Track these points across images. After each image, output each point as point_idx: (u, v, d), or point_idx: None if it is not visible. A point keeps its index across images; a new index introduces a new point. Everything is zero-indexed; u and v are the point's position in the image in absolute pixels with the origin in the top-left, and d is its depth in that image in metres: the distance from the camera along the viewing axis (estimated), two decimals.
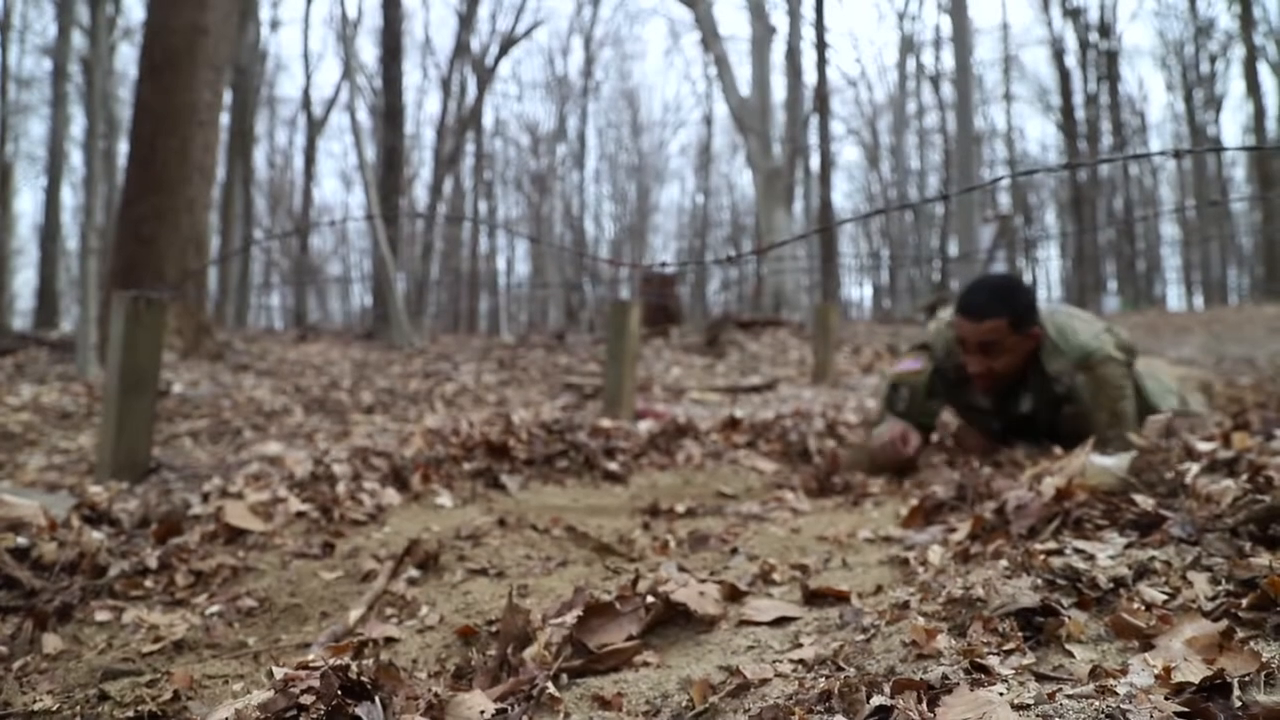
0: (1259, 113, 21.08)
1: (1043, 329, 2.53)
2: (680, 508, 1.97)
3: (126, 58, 19.26)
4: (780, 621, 1.05)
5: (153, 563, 1.39)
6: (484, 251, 30.03)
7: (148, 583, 1.37)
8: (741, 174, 31.97)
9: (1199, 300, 26.98)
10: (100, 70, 7.36)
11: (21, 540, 1.37)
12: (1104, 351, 2.48)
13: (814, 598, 1.13)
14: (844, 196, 31.93)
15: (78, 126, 17.13)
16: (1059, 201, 29.70)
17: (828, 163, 16.14)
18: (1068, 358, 2.48)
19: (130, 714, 0.95)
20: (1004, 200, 24.24)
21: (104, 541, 1.47)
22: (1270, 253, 22.39)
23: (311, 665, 0.80)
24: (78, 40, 12.54)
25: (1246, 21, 21.09)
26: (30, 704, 1.01)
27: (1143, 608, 0.86)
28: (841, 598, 1.12)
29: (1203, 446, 1.48)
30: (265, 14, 21.75)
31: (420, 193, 27.02)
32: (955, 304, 2.56)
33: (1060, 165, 1.28)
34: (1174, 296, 29.00)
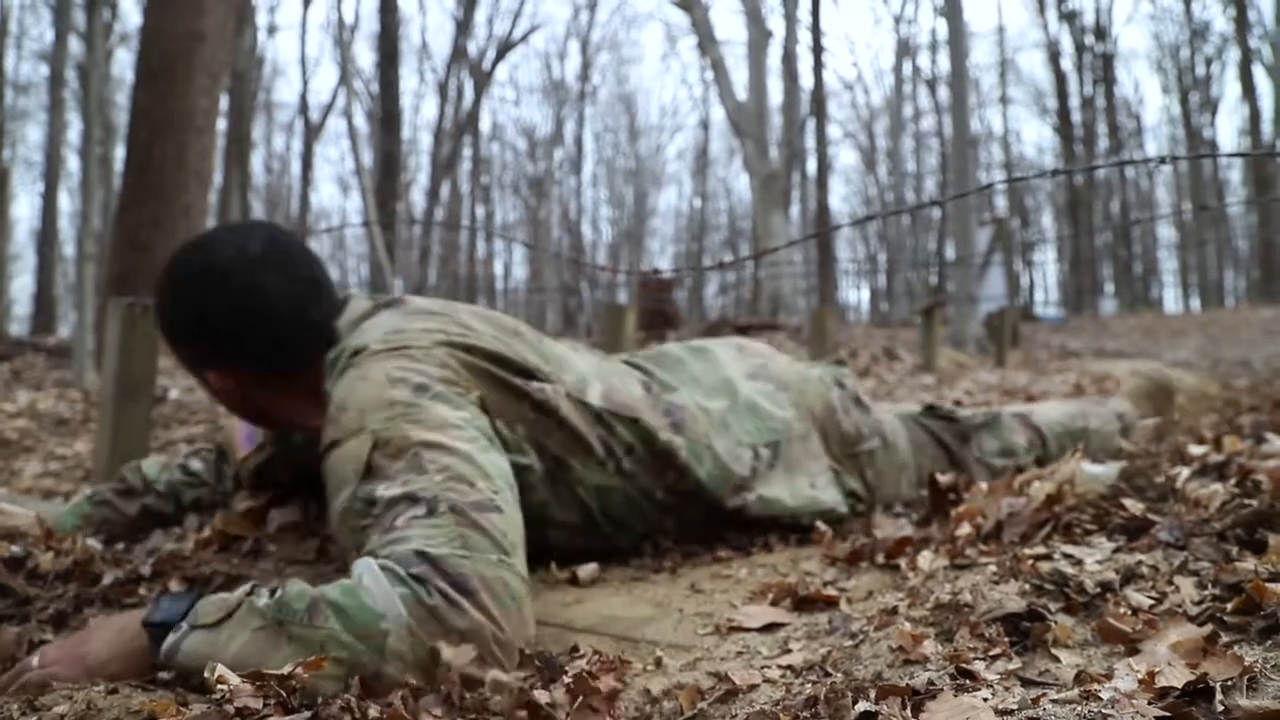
0: (1254, 116, 21.17)
1: None
2: None
3: (123, 63, 19.25)
4: (770, 627, 1.05)
5: (146, 570, 1.39)
6: (481, 256, 30.06)
7: (141, 590, 1.37)
8: (738, 178, 31.99)
9: (1195, 303, 27.04)
10: (97, 76, 7.37)
11: (16, 549, 1.37)
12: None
13: (804, 603, 1.13)
14: (841, 200, 31.94)
15: (75, 132, 17.14)
16: (1055, 204, 29.77)
17: (825, 166, 16.17)
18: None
19: None
20: (1000, 203, 24.29)
21: (98, 549, 1.48)
22: (1266, 255, 22.46)
23: (297, 676, 0.80)
24: (74, 46, 12.55)
25: (1241, 25, 21.17)
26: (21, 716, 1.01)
27: (1129, 612, 0.86)
28: (831, 603, 1.12)
29: (1194, 450, 1.49)
30: (262, 19, 21.78)
31: (417, 197, 27.07)
32: None
33: (1055, 171, 1.28)
34: (1170, 299, 29.08)
